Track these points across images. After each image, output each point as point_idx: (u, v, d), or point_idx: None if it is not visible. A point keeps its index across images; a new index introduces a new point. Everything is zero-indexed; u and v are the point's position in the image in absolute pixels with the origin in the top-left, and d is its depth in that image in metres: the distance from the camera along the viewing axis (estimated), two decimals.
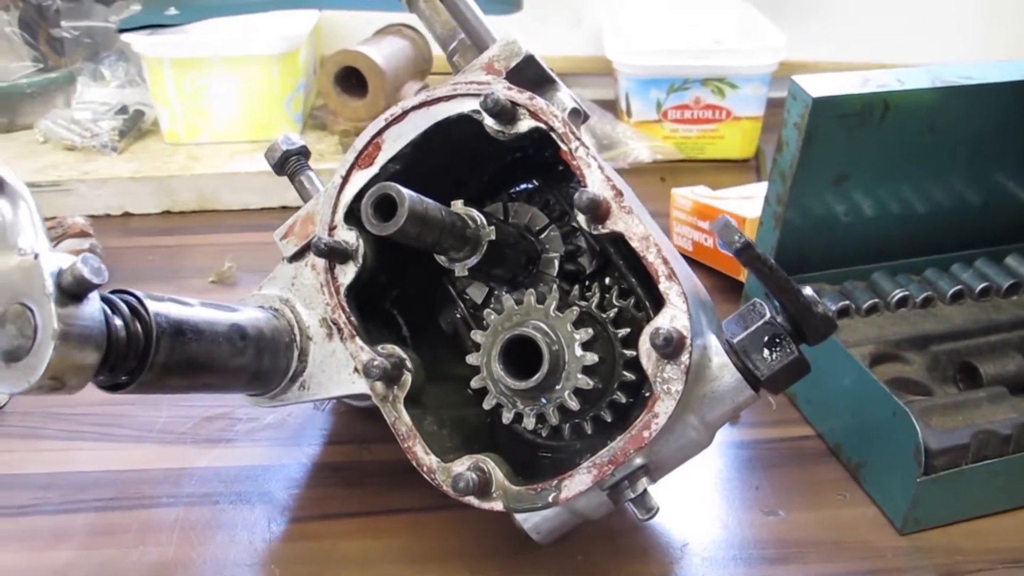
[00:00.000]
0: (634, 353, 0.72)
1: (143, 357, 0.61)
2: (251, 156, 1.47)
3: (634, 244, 0.65)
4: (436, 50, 1.69)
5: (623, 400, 0.72)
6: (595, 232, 0.66)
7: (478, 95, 0.70)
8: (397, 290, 0.84)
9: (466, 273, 0.72)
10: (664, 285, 0.64)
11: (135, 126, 1.54)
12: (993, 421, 0.84)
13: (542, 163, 0.83)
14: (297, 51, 1.51)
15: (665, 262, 0.65)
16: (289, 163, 0.86)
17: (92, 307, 0.55)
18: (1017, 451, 0.83)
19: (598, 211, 0.65)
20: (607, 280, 0.81)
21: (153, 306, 0.62)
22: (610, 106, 1.69)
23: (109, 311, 0.58)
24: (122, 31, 1.49)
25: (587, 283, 0.80)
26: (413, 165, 0.75)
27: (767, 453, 0.93)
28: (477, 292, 0.83)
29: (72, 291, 0.53)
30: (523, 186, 0.87)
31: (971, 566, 0.79)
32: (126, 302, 0.61)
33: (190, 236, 1.37)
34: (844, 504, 0.86)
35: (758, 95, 1.58)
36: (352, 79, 1.52)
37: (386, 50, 1.55)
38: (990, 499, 0.84)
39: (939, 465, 0.80)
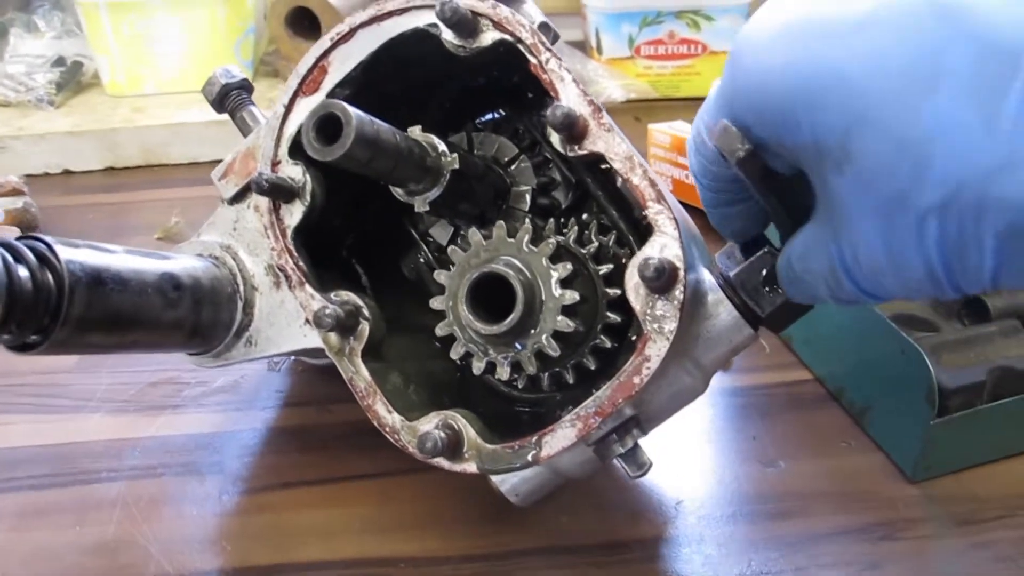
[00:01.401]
0: (618, 292, 0.65)
1: (55, 311, 0.53)
2: (200, 106, 1.37)
3: (616, 165, 0.57)
4: None
5: (608, 345, 0.65)
6: (571, 154, 0.58)
7: (434, 6, 0.62)
8: (354, 236, 0.76)
9: (427, 208, 0.64)
10: (653, 209, 0.56)
11: (73, 78, 1.44)
12: (1008, 357, 0.77)
13: (509, 89, 0.75)
14: None
15: (652, 184, 0.57)
16: (229, 98, 0.78)
17: None
18: None
19: (574, 129, 0.57)
20: (584, 216, 0.73)
21: (65, 253, 0.54)
22: (579, 47, 1.61)
23: (11, 259, 0.51)
24: None
25: (563, 220, 0.73)
26: (364, 91, 0.67)
27: (763, 400, 0.86)
28: (441, 232, 0.75)
29: None
30: (489, 116, 0.78)
31: (989, 513, 0.73)
32: (32, 249, 0.53)
33: (135, 192, 1.29)
34: (849, 452, 0.79)
35: (735, 28, 1.50)
36: (304, 21, 1.43)
37: None
38: (1007, 441, 0.78)
39: (953, 406, 0.73)
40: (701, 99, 1.61)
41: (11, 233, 1.10)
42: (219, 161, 1.31)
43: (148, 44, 1.39)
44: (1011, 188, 0.40)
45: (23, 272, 0.51)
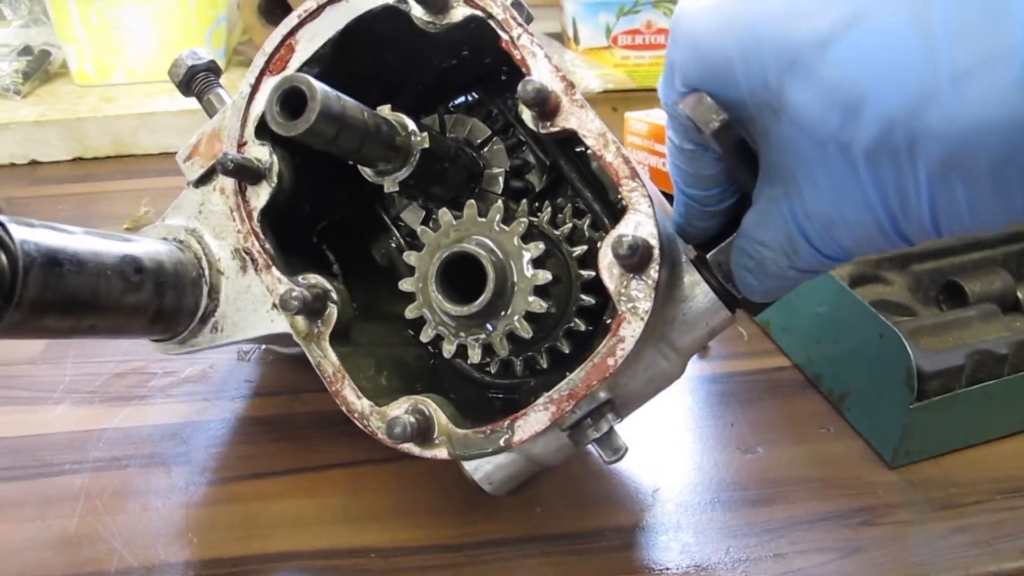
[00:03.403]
0: (592, 274, 0.63)
1: (8, 293, 0.51)
2: (169, 95, 1.35)
3: (589, 142, 0.56)
4: None
5: (582, 328, 0.63)
6: (543, 131, 0.57)
7: None
8: (324, 221, 0.74)
9: (396, 188, 0.62)
10: (627, 187, 0.55)
11: (41, 67, 1.41)
12: (986, 340, 0.76)
13: (482, 72, 0.74)
14: None
15: (626, 161, 0.55)
16: (196, 80, 0.76)
17: None
18: (1013, 372, 0.75)
19: (546, 105, 0.56)
20: (559, 200, 0.72)
21: (19, 232, 0.52)
22: (556, 38, 1.60)
23: None
24: None
25: (536, 203, 0.71)
26: (333, 70, 0.65)
27: (741, 387, 0.84)
28: (413, 216, 0.74)
29: None
30: (462, 99, 0.77)
31: (968, 498, 0.72)
32: None
33: (104, 183, 1.26)
34: (827, 438, 0.78)
35: None
36: (277, 10, 1.40)
37: None
38: (985, 425, 0.77)
39: (932, 390, 0.72)
40: None
41: None
42: None
43: (117, 33, 1.36)
44: (938, 117, 0.40)
45: None
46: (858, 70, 0.41)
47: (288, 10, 1.37)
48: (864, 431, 0.78)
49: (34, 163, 1.31)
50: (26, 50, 1.42)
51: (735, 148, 0.50)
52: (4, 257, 0.51)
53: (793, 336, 0.88)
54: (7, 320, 0.51)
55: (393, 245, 0.75)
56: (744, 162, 0.51)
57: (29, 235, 0.52)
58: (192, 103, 0.77)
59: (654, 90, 1.56)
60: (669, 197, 0.71)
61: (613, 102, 1.47)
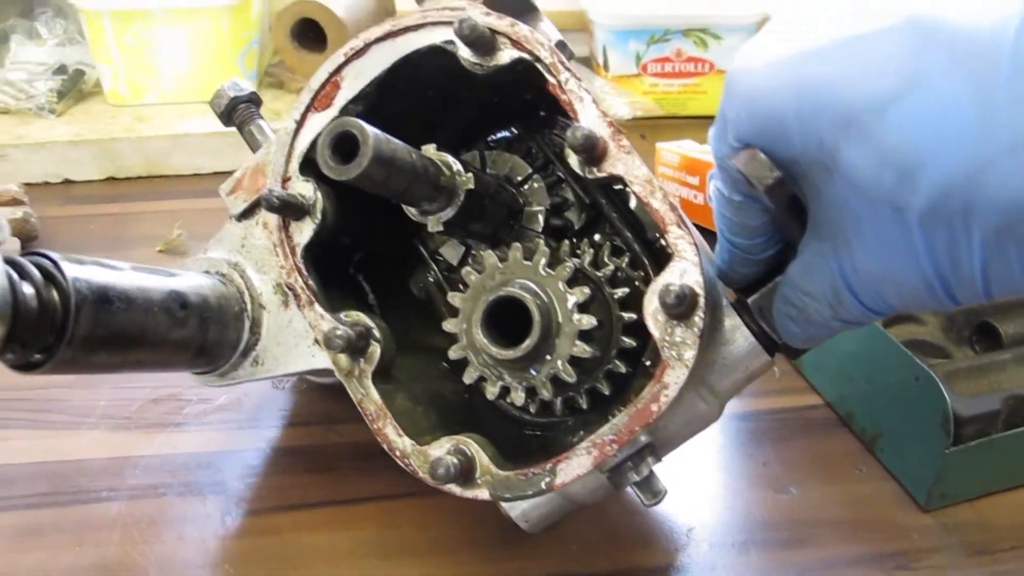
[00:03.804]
0: (633, 316, 0.63)
1: (61, 330, 0.51)
2: (202, 117, 1.37)
3: (636, 189, 0.56)
4: (400, 3, 1.59)
5: (622, 370, 0.64)
6: (590, 176, 0.57)
7: (451, 22, 0.61)
8: (361, 252, 0.74)
9: (440, 228, 0.63)
10: (674, 235, 0.55)
11: (75, 87, 1.42)
12: (1022, 385, 0.76)
13: (521, 108, 0.74)
14: (249, 2, 1.40)
15: (672, 208, 0.56)
16: (237, 111, 0.77)
17: None
18: None
19: (594, 151, 0.56)
20: (596, 236, 0.72)
21: (72, 270, 0.52)
22: (584, 63, 1.60)
23: (16, 276, 0.49)
24: None
25: (575, 240, 0.71)
26: (377, 107, 0.66)
27: (773, 425, 0.84)
28: (452, 252, 0.74)
29: None
30: (501, 134, 0.77)
31: (1003, 543, 0.72)
32: (38, 265, 0.51)
33: (137, 203, 1.27)
34: (860, 479, 0.78)
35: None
36: (310, 32, 1.42)
37: (346, 0, 1.44)
38: (1021, 469, 0.77)
39: (967, 435, 0.72)
40: (708, 117, 1.61)
41: (12, 246, 1.09)
42: (221, 172, 1.31)
43: (151, 54, 1.38)
44: (995, 185, 0.40)
45: (28, 289, 0.49)
46: (916, 135, 0.41)
47: (320, 35, 1.39)
48: (897, 472, 0.77)
49: (67, 182, 1.32)
50: (61, 69, 1.44)
51: (786, 203, 0.50)
52: (56, 295, 0.51)
53: (825, 374, 0.88)
54: (59, 357, 0.52)
55: (431, 279, 0.76)
56: (793, 216, 0.52)
57: (80, 272, 0.53)
58: (228, 127, 0.77)
59: (683, 118, 1.58)
60: (701, 229, 0.72)
61: (642, 129, 1.48)
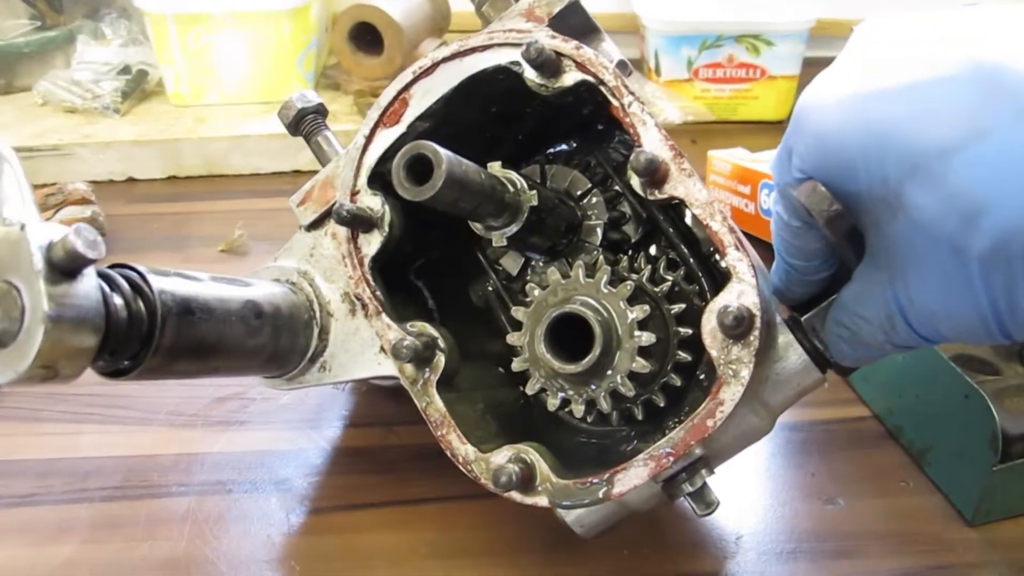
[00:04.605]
0: (689, 331, 0.65)
1: (147, 340, 0.54)
2: (261, 118, 1.40)
3: (696, 211, 0.58)
4: (455, 6, 1.61)
5: (678, 383, 0.66)
6: (651, 197, 0.59)
7: (518, 44, 0.63)
8: (422, 259, 0.77)
9: (504, 243, 0.65)
10: (733, 256, 0.57)
11: (138, 87, 1.46)
12: None
13: (579, 121, 0.76)
14: (309, 6, 1.43)
15: (731, 231, 0.57)
16: (305, 123, 0.79)
17: (88, 284, 0.48)
18: None
19: (656, 174, 0.58)
20: (653, 250, 0.74)
21: (157, 282, 0.55)
22: (636, 66, 1.61)
23: (107, 289, 0.51)
24: None
25: (631, 253, 0.73)
26: (444, 123, 0.68)
27: (822, 436, 0.86)
28: (512, 263, 0.76)
29: (64, 267, 0.46)
30: (560, 147, 0.79)
31: None
32: (127, 278, 0.54)
33: (197, 203, 1.30)
34: (907, 492, 0.79)
35: (795, 53, 1.50)
36: (367, 36, 1.44)
37: (403, 5, 1.47)
38: None
39: (1015, 452, 0.73)
40: (758, 123, 1.62)
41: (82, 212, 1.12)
42: (280, 173, 1.35)
43: (212, 56, 1.41)
44: None
45: (118, 301, 0.52)
46: (981, 181, 0.43)
47: (376, 38, 1.41)
48: (944, 487, 0.78)
49: (131, 180, 1.36)
50: (125, 69, 1.48)
51: (844, 234, 0.52)
52: (143, 306, 0.54)
53: (874, 387, 0.89)
54: (145, 365, 0.54)
55: (490, 288, 0.78)
56: (850, 244, 0.53)
57: (165, 285, 0.56)
58: (282, 126, 0.80)
59: (734, 123, 1.58)
60: (751, 238, 0.73)
61: (692, 134, 1.49)
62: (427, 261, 0.77)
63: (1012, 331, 0.47)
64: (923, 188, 0.45)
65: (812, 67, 1.38)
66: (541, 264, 0.74)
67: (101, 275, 0.52)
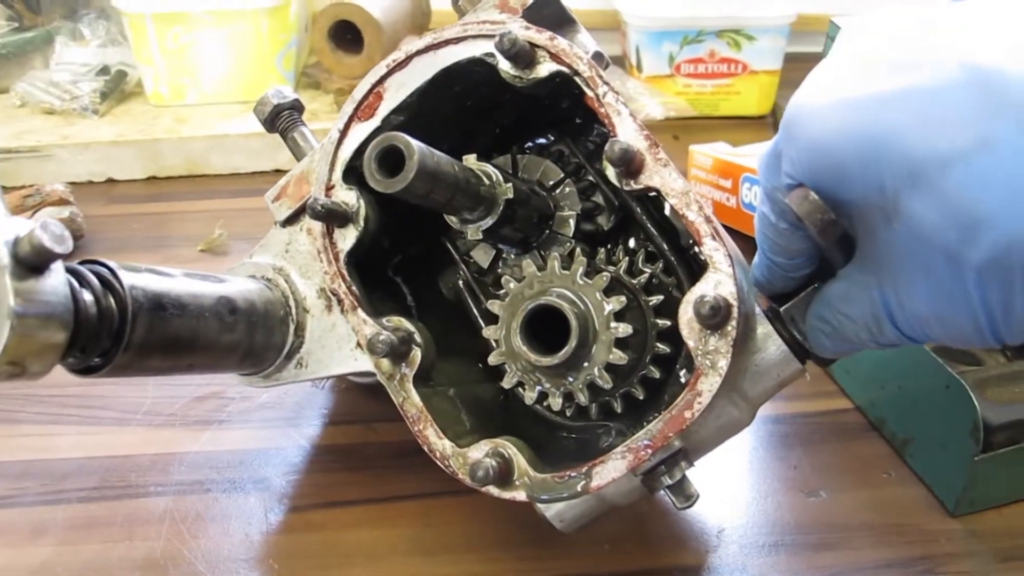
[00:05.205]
0: (668, 323, 0.65)
1: (118, 336, 0.53)
2: (241, 117, 1.40)
3: (672, 201, 0.58)
4: (435, 3, 1.60)
5: (656, 375, 0.65)
6: (627, 188, 0.59)
7: (492, 36, 0.63)
8: (399, 255, 0.76)
9: (479, 236, 0.64)
10: (709, 246, 0.57)
11: (117, 87, 1.45)
12: None
13: (558, 116, 0.76)
14: (287, 4, 1.42)
15: (708, 220, 0.57)
16: (281, 119, 0.78)
17: (56, 280, 0.48)
18: None
19: (631, 164, 0.58)
20: (631, 243, 0.74)
21: (128, 278, 0.54)
22: (617, 63, 1.61)
23: (76, 284, 0.51)
24: None
25: (608, 245, 0.73)
26: (418, 116, 0.67)
27: (804, 428, 0.86)
28: (483, 255, 0.75)
29: (31, 262, 0.46)
30: (538, 141, 0.79)
31: None
32: (96, 274, 0.53)
33: (178, 203, 1.30)
34: (890, 483, 0.79)
35: (776, 48, 1.50)
36: (347, 34, 1.44)
37: (383, 3, 1.46)
38: None
39: (997, 442, 0.73)
40: (740, 118, 1.61)
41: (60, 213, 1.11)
42: (260, 172, 1.34)
43: (191, 56, 1.40)
44: None
45: (88, 297, 0.51)
46: (982, 192, 0.42)
47: (357, 36, 1.41)
48: (927, 478, 0.78)
49: (110, 181, 1.35)
50: (103, 70, 1.47)
51: (837, 243, 0.51)
52: (114, 302, 0.53)
53: (856, 379, 0.89)
54: (116, 361, 0.54)
55: (460, 281, 0.77)
56: (840, 249, 0.53)
57: (136, 280, 0.55)
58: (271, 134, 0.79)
59: (716, 118, 1.58)
60: (733, 232, 0.72)
61: (674, 130, 1.49)
62: (405, 258, 0.77)
63: (1006, 337, 0.47)
64: (921, 198, 0.45)
65: (794, 62, 1.38)
66: (513, 257, 0.73)
67: (70, 271, 0.52)
